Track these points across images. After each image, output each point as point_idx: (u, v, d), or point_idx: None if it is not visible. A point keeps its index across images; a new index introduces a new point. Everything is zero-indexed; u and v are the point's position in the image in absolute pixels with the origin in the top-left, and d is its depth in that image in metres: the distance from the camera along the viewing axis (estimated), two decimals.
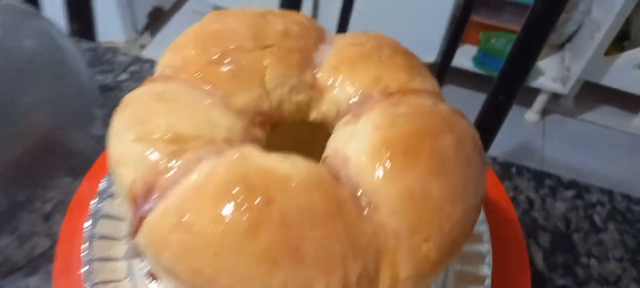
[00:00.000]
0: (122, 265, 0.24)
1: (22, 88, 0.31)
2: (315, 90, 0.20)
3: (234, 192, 0.15)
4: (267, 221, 0.14)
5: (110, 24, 1.27)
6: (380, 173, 0.16)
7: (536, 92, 1.28)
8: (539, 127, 1.31)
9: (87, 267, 0.23)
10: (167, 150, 0.17)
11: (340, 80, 0.20)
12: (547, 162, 1.21)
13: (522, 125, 1.32)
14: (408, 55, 0.21)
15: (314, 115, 0.21)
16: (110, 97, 0.39)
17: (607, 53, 1.17)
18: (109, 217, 0.26)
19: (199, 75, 0.20)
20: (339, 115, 0.20)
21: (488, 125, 0.46)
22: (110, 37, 1.31)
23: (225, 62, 0.20)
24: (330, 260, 0.14)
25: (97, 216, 0.25)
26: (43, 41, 0.33)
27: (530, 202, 0.36)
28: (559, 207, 0.36)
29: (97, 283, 0.23)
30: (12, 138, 0.31)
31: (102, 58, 0.42)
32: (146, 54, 1.39)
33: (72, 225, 0.27)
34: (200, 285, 0.15)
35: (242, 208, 0.15)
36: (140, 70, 0.41)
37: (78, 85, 0.35)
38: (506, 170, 0.38)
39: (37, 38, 0.33)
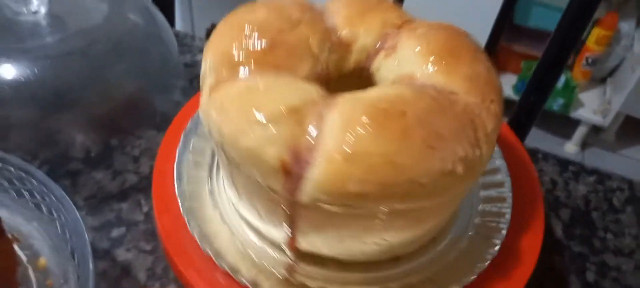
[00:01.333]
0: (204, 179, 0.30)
1: (121, 53, 0.38)
2: (343, 46, 0.26)
3: (371, 118, 0.20)
4: (410, 125, 0.20)
5: None
6: (443, 72, 0.23)
7: (576, 123, 1.29)
8: (577, 159, 1.32)
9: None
10: (292, 121, 0.21)
11: (360, 32, 0.25)
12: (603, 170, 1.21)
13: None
14: None
15: (350, 65, 0.26)
16: (188, 71, 0.46)
17: None
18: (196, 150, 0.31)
19: (260, 64, 0.24)
20: (370, 57, 0.25)
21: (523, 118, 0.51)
22: None
23: (277, 46, 0.24)
24: (458, 132, 0.21)
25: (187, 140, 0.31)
26: (143, 16, 0.40)
27: (554, 183, 0.40)
28: (581, 189, 0.40)
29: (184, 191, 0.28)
30: (107, 93, 0.38)
31: (182, 41, 0.49)
32: None
33: (162, 161, 0.33)
34: (389, 193, 0.20)
35: (391, 125, 0.20)
36: None
37: (167, 57, 0.42)
38: (533, 155, 0.42)
39: (138, 13, 0.40)
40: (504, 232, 0.28)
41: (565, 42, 0.48)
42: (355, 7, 0.26)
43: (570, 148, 1.32)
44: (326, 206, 0.21)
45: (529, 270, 0.27)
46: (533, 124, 0.50)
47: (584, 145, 1.33)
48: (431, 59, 0.23)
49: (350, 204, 0.21)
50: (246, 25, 0.25)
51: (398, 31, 0.25)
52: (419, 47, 0.23)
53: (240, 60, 0.24)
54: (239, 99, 0.23)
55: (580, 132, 1.29)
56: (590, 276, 0.34)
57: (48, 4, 0.34)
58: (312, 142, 0.21)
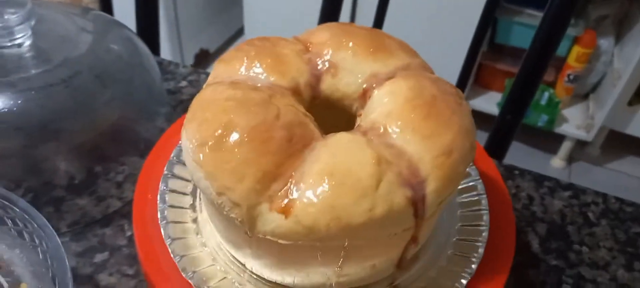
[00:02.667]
0: (188, 211, 0.31)
1: (105, 83, 0.39)
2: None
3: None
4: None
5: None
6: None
7: (561, 138, 1.31)
8: (565, 174, 1.33)
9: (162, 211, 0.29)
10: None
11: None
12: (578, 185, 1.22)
13: (548, 171, 1.34)
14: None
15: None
16: (172, 98, 0.47)
17: (630, 103, 1.21)
18: (178, 177, 0.32)
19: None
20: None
21: (500, 138, 0.52)
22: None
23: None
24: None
25: (168, 176, 0.32)
26: (126, 46, 0.41)
27: (530, 199, 0.41)
28: (556, 203, 0.41)
29: (168, 222, 0.29)
30: (91, 122, 0.39)
31: (166, 69, 0.50)
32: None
33: (143, 186, 0.34)
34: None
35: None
36: (198, 79, 0.49)
37: (150, 85, 0.43)
38: (510, 172, 0.43)
39: (121, 44, 0.41)
40: (481, 250, 0.28)
41: (539, 59, 0.50)
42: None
43: (556, 163, 1.34)
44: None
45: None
46: (512, 140, 0.52)
47: (570, 159, 1.35)
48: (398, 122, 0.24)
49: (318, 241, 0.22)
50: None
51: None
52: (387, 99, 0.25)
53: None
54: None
55: (565, 147, 1.31)
56: None
57: (32, 37, 0.34)
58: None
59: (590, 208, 0.40)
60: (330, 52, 0.28)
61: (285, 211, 0.22)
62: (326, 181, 0.22)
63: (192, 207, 0.31)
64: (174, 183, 0.32)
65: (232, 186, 0.23)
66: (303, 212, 0.22)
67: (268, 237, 0.23)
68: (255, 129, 0.23)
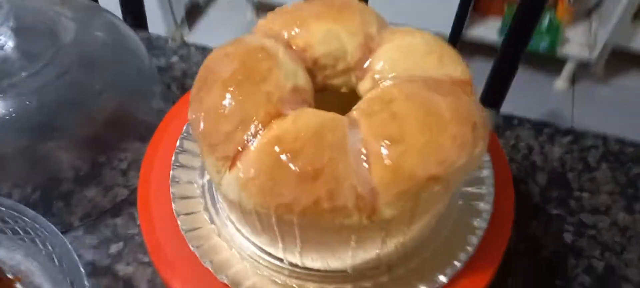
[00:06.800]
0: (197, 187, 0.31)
1: (96, 73, 0.39)
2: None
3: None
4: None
5: (151, 19, 1.36)
6: None
7: (564, 61, 1.29)
8: (568, 95, 1.33)
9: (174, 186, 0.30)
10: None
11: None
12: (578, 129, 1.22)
13: (551, 93, 1.33)
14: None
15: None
16: (164, 75, 0.46)
17: (636, 16, 1.18)
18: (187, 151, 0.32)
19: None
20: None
21: (496, 89, 0.51)
22: (151, 31, 1.40)
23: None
24: None
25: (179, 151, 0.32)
26: (110, 32, 0.41)
27: (530, 148, 0.41)
28: (556, 151, 0.41)
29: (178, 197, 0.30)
30: (89, 114, 0.39)
31: (154, 44, 0.49)
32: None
33: (147, 173, 0.34)
34: None
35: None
36: (188, 53, 0.48)
37: (140, 67, 0.42)
38: (508, 122, 0.43)
39: (105, 30, 0.40)
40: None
41: None
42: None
43: (559, 85, 1.33)
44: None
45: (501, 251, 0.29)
46: (508, 89, 0.51)
47: (573, 80, 1.34)
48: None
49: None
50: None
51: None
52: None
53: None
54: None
55: (568, 69, 1.30)
56: (568, 237, 0.36)
57: (14, 38, 0.34)
58: None
59: (590, 152, 0.41)
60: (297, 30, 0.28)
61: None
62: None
63: (202, 194, 0.31)
64: (183, 173, 0.32)
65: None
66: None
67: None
68: None
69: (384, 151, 0.22)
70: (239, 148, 0.24)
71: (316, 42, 0.28)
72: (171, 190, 0.30)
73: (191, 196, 0.30)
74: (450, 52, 0.27)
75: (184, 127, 0.34)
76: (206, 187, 0.31)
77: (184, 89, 0.45)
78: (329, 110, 0.27)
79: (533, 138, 0.42)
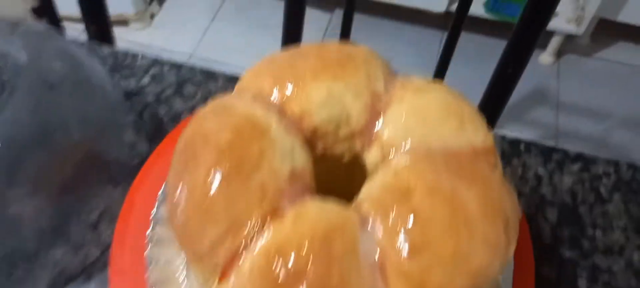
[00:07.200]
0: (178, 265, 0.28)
1: (53, 107, 0.34)
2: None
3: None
4: None
5: None
6: None
7: (550, 34, 1.26)
8: (553, 69, 1.31)
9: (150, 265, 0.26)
10: None
11: None
12: (563, 104, 1.21)
13: (536, 68, 1.31)
14: None
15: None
16: (135, 101, 0.42)
17: None
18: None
19: None
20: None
21: (496, 97, 0.48)
22: (121, 10, 1.32)
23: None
24: None
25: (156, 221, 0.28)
26: (66, 60, 0.35)
27: (539, 179, 0.38)
28: (566, 180, 0.38)
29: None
30: (51, 155, 0.34)
31: (122, 63, 0.44)
32: (156, 23, 1.40)
33: (121, 233, 0.31)
34: None
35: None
36: (161, 73, 0.43)
37: (105, 97, 0.38)
38: (515, 147, 0.40)
39: (61, 58, 0.35)
40: None
41: None
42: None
43: (545, 59, 1.31)
44: None
45: None
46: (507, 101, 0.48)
47: (559, 53, 1.32)
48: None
49: None
50: None
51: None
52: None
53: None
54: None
55: (554, 42, 1.27)
56: (582, 283, 0.34)
57: None
58: None
59: (601, 181, 0.38)
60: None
61: None
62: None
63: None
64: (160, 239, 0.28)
65: None
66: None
67: None
68: None
69: (405, 264, 0.19)
70: (230, 255, 0.20)
71: (315, 106, 0.24)
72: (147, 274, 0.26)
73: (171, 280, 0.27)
74: (470, 113, 0.24)
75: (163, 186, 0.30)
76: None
77: (158, 117, 0.41)
78: (327, 179, 0.24)
79: (541, 165, 0.39)
